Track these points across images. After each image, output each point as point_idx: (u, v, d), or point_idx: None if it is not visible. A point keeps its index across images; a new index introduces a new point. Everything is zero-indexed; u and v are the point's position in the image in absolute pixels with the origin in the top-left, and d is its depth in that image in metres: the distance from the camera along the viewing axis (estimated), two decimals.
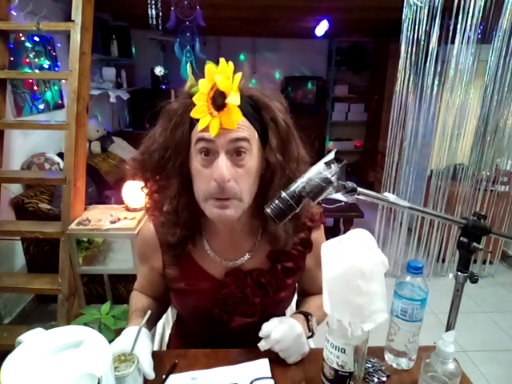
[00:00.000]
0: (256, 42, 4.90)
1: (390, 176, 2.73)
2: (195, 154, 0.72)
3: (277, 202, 0.61)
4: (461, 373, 0.67)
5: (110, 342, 0.66)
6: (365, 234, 0.67)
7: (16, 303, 2.23)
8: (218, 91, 0.67)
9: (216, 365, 0.79)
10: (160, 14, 2.50)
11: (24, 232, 1.80)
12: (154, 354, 0.76)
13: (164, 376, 0.75)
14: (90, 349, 0.57)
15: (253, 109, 0.72)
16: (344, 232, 0.71)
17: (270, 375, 0.77)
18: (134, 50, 4.44)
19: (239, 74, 0.67)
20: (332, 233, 3.08)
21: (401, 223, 2.78)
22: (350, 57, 4.92)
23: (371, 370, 0.78)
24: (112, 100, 3.40)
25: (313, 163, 0.64)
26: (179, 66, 2.61)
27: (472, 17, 2.24)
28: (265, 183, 0.76)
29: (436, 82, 2.47)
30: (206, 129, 0.68)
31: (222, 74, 0.66)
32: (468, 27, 2.27)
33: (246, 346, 0.82)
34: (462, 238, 0.71)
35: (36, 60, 2.46)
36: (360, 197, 0.65)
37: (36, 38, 2.42)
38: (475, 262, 2.84)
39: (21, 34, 2.23)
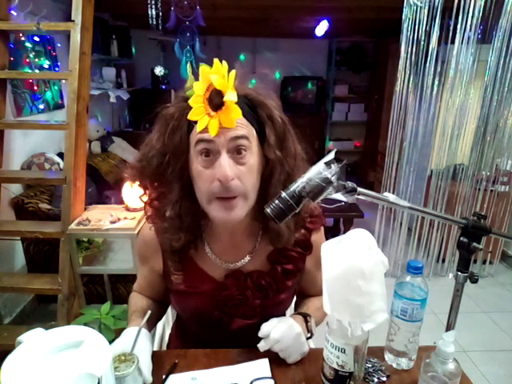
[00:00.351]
0: (256, 42, 4.89)
1: (390, 176, 2.73)
2: (195, 156, 0.72)
3: (277, 202, 0.61)
4: (461, 373, 0.67)
5: (110, 342, 0.66)
6: (365, 234, 0.67)
7: (16, 303, 2.23)
8: (214, 91, 0.67)
9: (216, 365, 0.79)
10: (160, 13, 2.50)
11: (24, 232, 1.80)
12: (154, 354, 0.76)
13: (164, 376, 0.75)
14: (90, 349, 0.57)
15: (249, 107, 0.73)
16: (344, 232, 0.71)
17: (270, 375, 0.77)
18: (134, 49, 4.44)
19: (234, 72, 0.67)
20: (332, 233, 3.07)
21: (401, 223, 2.78)
22: (349, 57, 4.92)
23: (371, 370, 0.78)
24: (112, 100, 3.40)
25: (313, 163, 0.64)
26: (179, 66, 2.61)
27: (472, 17, 2.24)
28: (265, 180, 0.76)
29: (436, 82, 2.47)
30: (204, 130, 0.68)
31: (217, 74, 0.67)
32: (468, 27, 2.27)
33: (245, 347, 0.82)
34: (461, 238, 0.71)
35: (36, 60, 2.46)
36: (360, 197, 0.65)
37: (36, 38, 2.42)
38: (475, 261, 2.83)
39: (21, 34, 2.24)
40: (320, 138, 5.16)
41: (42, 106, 2.55)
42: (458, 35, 2.31)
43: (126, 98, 3.74)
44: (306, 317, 0.86)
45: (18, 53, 2.28)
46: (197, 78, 0.71)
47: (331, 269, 0.65)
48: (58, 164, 2.43)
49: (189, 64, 2.62)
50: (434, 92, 2.49)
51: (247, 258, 0.85)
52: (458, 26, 2.29)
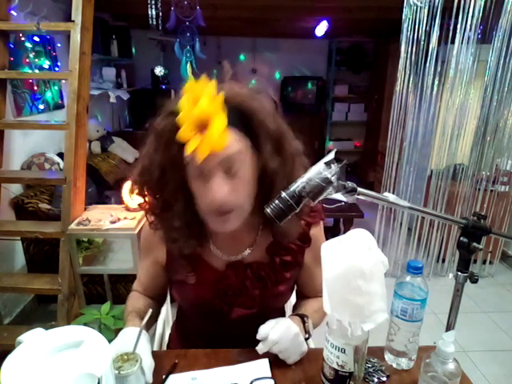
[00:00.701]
0: (256, 42, 4.89)
1: (390, 176, 2.73)
2: (190, 172, 0.72)
3: (277, 202, 0.61)
4: (461, 373, 0.67)
5: (110, 342, 0.66)
6: (365, 234, 0.67)
7: (16, 303, 2.23)
8: (201, 117, 0.65)
9: (216, 365, 0.79)
10: (160, 14, 2.51)
11: (24, 232, 1.80)
12: (154, 354, 0.76)
13: (164, 376, 0.75)
14: (90, 349, 0.57)
15: (241, 118, 0.70)
16: (344, 232, 0.71)
17: (270, 375, 0.77)
18: (134, 50, 4.43)
19: (221, 95, 0.65)
20: (332, 233, 3.08)
21: (401, 223, 2.78)
22: (350, 57, 4.92)
23: (371, 370, 0.78)
24: (112, 100, 3.39)
25: (313, 163, 0.64)
26: (179, 66, 2.61)
27: (472, 17, 2.24)
28: (267, 185, 0.75)
29: (436, 82, 2.47)
30: (193, 152, 0.66)
31: (205, 95, 0.64)
32: (468, 27, 2.27)
33: (245, 339, 0.82)
34: (461, 238, 0.71)
35: (36, 60, 2.46)
36: (360, 197, 0.65)
37: (36, 38, 2.42)
38: (475, 262, 2.83)
39: (21, 34, 2.23)
40: (320, 138, 5.16)
41: (41, 106, 2.55)
42: (458, 35, 2.31)
43: (125, 98, 3.74)
44: (303, 317, 0.86)
45: (18, 53, 2.28)
46: (197, 78, 0.70)
47: (331, 269, 0.65)
48: (58, 164, 2.43)
49: (189, 64, 2.62)
50: (434, 92, 2.49)
51: (248, 251, 0.87)
52: (458, 26, 2.29)
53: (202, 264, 0.87)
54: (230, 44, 4.81)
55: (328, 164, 0.62)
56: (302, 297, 1.00)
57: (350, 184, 0.63)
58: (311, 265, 0.92)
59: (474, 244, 0.69)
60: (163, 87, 4.29)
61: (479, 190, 2.67)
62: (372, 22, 3.77)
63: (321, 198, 0.62)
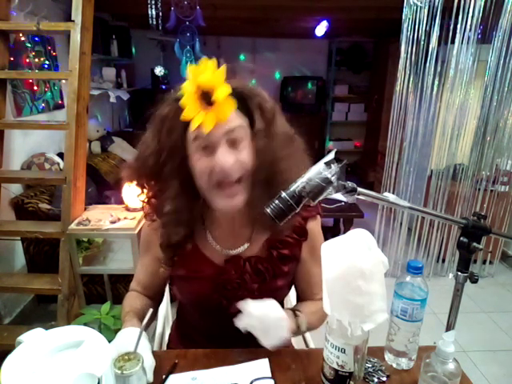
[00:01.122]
0: (256, 42, 4.90)
1: (390, 176, 2.73)
2: (194, 151, 0.75)
3: (277, 202, 0.61)
4: (461, 373, 0.67)
5: (110, 342, 0.66)
6: (365, 234, 0.67)
7: (16, 303, 2.23)
8: (205, 88, 0.69)
9: (216, 365, 0.79)
10: (160, 13, 2.51)
11: (24, 232, 1.80)
12: (154, 354, 0.76)
13: (164, 376, 0.75)
14: (90, 349, 0.57)
15: (238, 100, 0.74)
16: (344, 232, 0.71)
17: (270, 375, 0.77)
18: (134, 49, 4.44)
19: (223, 67, 0.69)
20: (332, 233, 3.07)
21: (401, 223, 2.78)
22: (349, 57, 4.92)
23: (371, 370, 0.78)
24: (112, 100, 3.40)
25: (313, 163, 0.64)
26: (179, 66, 2.61)
27: (472, 17, 2.24)
28: (259, 168, 0.78)
29: (436, 82, 2.47)
30: (199, 126, 0.71)
31: (205, 72, 0.69)
32: (468, 27, 2.27)
33: (245, 337, 0.82)
34: (461, 238, 0.71)
35: (36, 60, 2.46)
36: (360, 197, 0.65)
37: (36, 38, 2.42)
38: (475, 262, 2.83)
39: (21, 34, 2.23)
40: (320, 138, 5.16)
41: (42, 106, 2.55)
42: (458, 35, 2.31)
43: (125, 98, 3.74)
44: (295, 312, 0.86)
45: (18, 53, 2.28)
46: None
47: (331, 269, 0.65)
48: (58, 164, 2.43)
49: (189, 64, 2.62)
50: (434, 92, 2.49)
51: (246, 245, 0.89)
52: (458, 26, 2.29)
53: (201, 259, 0.88)
54: (229, 44, 4.81)
55: (328, 164, 0.62)
56: (300, 299, 1.00)
57: (349, 184, 0.63)
58: (308, 259, 0.93)
59: (474, 244, 0.69)
60: (163, 87, 4.29)
61: (479, 189, 2.67)
62: (372, 22, 3.77)
63: (321, 197, 0.62)
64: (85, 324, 1.57)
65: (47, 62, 2.58)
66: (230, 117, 0.72)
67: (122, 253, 2.47)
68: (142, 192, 0.85)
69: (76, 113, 1.71)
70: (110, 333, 1.55)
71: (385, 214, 2.77)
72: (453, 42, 2.33)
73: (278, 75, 5.10)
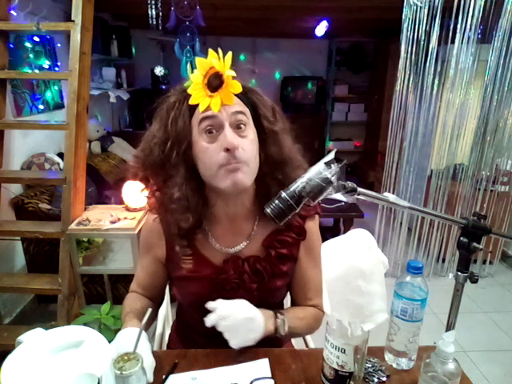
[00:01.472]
0: (256, 42, 4.90)
1: (390, 176, 2.73)
2: (199, 135, 0.78)
3: (277, 202, 0.61)
4: (461, 373, 0.67)
5: (110, 342, 0.66)
6: (365, 234, 0.67)
7: (16, 303, 2.23)
8: (212, 75, 0.73)
9: (216, 365, 0.79)
10: (160, 13, 2.50)
11: (24, 232, 1.80)
12: (154, 354, 0.76)
13: (164, 376, 0.75)
14: (90, 349, 0.57)
15: (243, 92, 0.78)
16: (344, 232, 0.71)
17: (270, 375, 0.77)
18: (134, 49, 4.43)
19: (230, 53, 0.72)
20: (332, 233, 3.07)
21: (401, 223, 2.78)
22: (350, 57, 4.92)
23: (371, 370, 0.78)
24: (112, 100, 3.39)
25: (313, 163, 0.64)
26: (179, 66, 2.61)
27: (472, 17, 2.24)
28: (262, 156, 0.82)
29: (436, 82, 2.47)
30: (206, 109, 0.74)
31: (214, 56, 0.72)
32: (468, 27, 2.27)
33: None
34: (461, 238, 0.71)
35: (36, 60, 2.46)
36: (360, 197, 0.65)
37: (36, 38, 2.42)
38: (475, 262, 2.83)
39: (21, 34, 2.23)
40: (320, 138, 5.15)
41: (41, 106, 2.55)
42: (457, 35, 2.31)
43: (125, 98, 3.74)
44: (276, 314, 0.85)
45: (18, 53, 2.28)
46: None
47: (331, 269, 0.65)
48: (58, 164, 2.43)
49: (189, 64, 2.62)
50: (434, 92, 2.49)
51: (245, 243, 0.89)
52: (458, 26, 2.29)
53: (200, 259, 0.88)
54: (230, 44, 4.80)
55: (328, 164, 0.62)
56: (294, 303, 0.99)
57: (349, 184, 0.63)
58: (303, 259, 0.93)
59: (474, 244, 0.69)
60: (163, 87, 4.29)
61: (479, 189, 2.66)
62: (372, 22, 3.78)
63: (321, 198, 0.62)
64: (85, 324, 1.57)
65: (47, 62, 2.58)
66: (235, 103, 0.76)
67: (121, 253, 2.47)
68: (146, 187, 0.87)
69: (76, 113, 1.71)
70: (110, 333, 1.55)
71: (385, 214, 2.77)
72: (453, 41, 2.33)
73: (277, 75, 5.10)
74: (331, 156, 0.63)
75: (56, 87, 2.76)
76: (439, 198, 2.68)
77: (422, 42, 2.37)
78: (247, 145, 0.78)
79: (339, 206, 2.64)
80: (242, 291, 0.86)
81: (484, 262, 2.86)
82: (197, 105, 0.76)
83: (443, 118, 2.54)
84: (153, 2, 2.43)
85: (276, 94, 4.96)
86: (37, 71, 2.40)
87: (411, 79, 2.48)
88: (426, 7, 2.30)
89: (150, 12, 2.48)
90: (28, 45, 2.35)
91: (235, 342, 0.77)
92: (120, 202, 2.03)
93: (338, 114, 5.12)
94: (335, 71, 4.93)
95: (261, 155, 0.82)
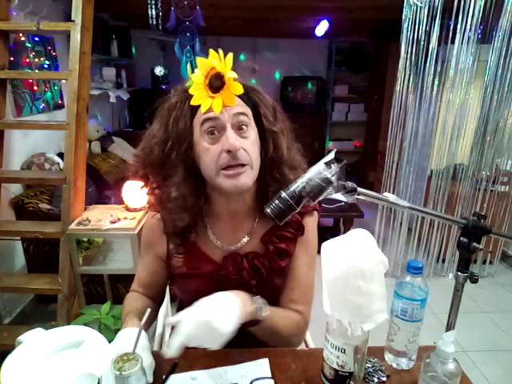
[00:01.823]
0: (256, 42, 4.90)
1: (390, 176, 2.73)
2: (201, 136, 0.78)
3: (277, 202, 0.61)
4: (461, 373, 0.67)
5: (110, 342, 0.66)
6: (365, 234, 0.67)
7: (16, 303, 2.23)
8: (214, 76, 0.73)
9: (216, 365, 0.79)
10: (160, 13, 2.51)
11: (24, 232, 1.80)
12: (154, 354, 0.76)
13: (164, 376, 0.75)
14: (90, 349, 0.57)
15: (245, 92, 0.78)
16: (344, 232, 0.71)
17: (270, 375, 0.77)
18: (134, 49, 4.43)
19: (230, 55, 0.72)
20: (332, 233, 3.07)
21: (401, 223, 2.78)
22: (349, 57, 4.92)
23: (371, 370, 0.78)
24: (112, 100, 3.40)
25: (313, 163, 0.64)
26: (179, 66, 2.61)
27: (472, 17, 2.24)
28: (263, 157, 0.83)
29: (436, 82, 2.47)
30: (208, 110, 0.75)
31: (215, 57, 0.73)
32: (468, 27, 2.27)
33: (244, 335, 0.82)
34: (461, 238, 0.71)
35: (36, 60, 2.46)
36: (360, 197, 0.65)
37: (36, 38, 2.42)
38: (475, 262, 2.83)
39: (21, 34, 2.23)
40: (320, 138, 5.15)
41: (42, 106, 2.55)
42: (458, 35, 2.31)
43: (125, 98, 3.73)
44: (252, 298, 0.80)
45: (18, 53, 2.28)
46: None
47: (331, 269, 0.65)
48: (58, 164, 2.43)
49: (189, 64, 2.62)
50: (434, 92, 2.49)
51: (245, 240, 0.90)
52: (458, 26, 2.29)
53: (200, 256, 0.89)
54: (230, 44, 4.80)
55: (328, 164, 0.62)
56: (279, 302, 0.94)
57: (349, 184, 0.63)
58: (299, 253, 0.93)
59: (474, 244, 0.69)
60: (163, 87, 4.29)
61: (479, 189, 2.66)
62: (372, 22, 3.78)
63: (321, 197, 0.62)
64: (85, 324, 1.57)
65: (47, 62, 2.58)
66: (237, 104, 0.76)
67: (122, 253, 2.47)
68: (146, 184, 0.87)
69: (76, 113, 1.71)
70: (110, 333, 1.55)
71: (385, 214, 2.77)
72: (453, 41, 2.33)
73: (278, 75, 5.10)
74: (331, 156, 0.63)
75: (56, 87, 2.76)
76: (439, 198, 2.68)
77: (422, 42, 2.37)
78: (249, 146, 0.78)
79: (339, 206, 2.64)
80: (241, 287, 0.86)
81: (484, 262, 2.86)
82: (198, 105, 0.76)
83: (443, 118, 2.54)
84: (153, 2, 2.44)
85: (276, 94, 4.96)
86: (37, 71, 2.40)
87: (411, 79, 2.48)
88: (426, 7, 2.29)
89: (149, 12, 2.48)
90: (28, 45, 2.35)
91: (207, 346, 0.69)
92: (120, 202, 2.03)
93: (337, 114, 5.12)
94: (335, 71, 4.93)
95: (261, 154, 0.83)
